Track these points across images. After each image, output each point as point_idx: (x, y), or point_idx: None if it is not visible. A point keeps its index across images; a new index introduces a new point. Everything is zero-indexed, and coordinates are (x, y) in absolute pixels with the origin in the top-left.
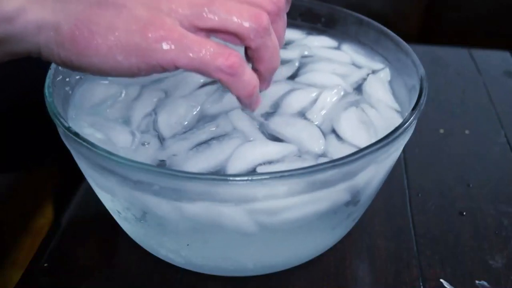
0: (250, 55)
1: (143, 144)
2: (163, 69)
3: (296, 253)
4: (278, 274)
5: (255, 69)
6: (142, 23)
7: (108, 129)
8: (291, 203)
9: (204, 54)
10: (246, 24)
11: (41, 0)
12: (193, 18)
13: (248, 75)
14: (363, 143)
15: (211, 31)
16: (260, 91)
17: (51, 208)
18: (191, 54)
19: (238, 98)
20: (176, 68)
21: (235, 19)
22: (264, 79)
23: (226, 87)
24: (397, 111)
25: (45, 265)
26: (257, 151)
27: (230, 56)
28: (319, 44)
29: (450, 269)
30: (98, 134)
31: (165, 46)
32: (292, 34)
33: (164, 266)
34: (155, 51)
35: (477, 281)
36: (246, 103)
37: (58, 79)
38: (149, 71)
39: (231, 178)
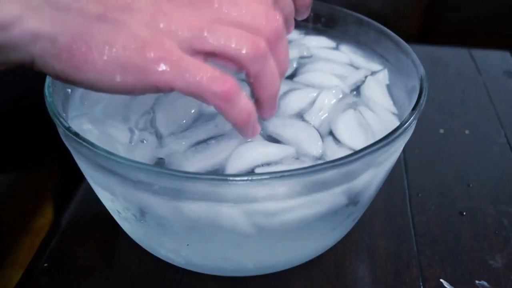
0: (248, 82)
1: (141, 141)
2: (158, 90)
3: (296, 253)
4: (278, 274)
5: (256, 96)
6: (141, 42)
7: (106, 126)
8: (290, 205)
9: (200, 79)
10: (244, 51)
11: (39, 9)
12: (192, 41)
13: (243, 102)
14: (360, 146)
15: (209, 55)
16: (265, 118)
17: (51, 208)
18: (188, 78)
19: (234, 126)
20: (172, 90)
21: (233, 44)
22: (266, 106)
23: (221, 114)
24: (395, 114)
25: (45, 265)
26: (256, 152)
27: (226, 82)
28: (317, 44)
29: (450, 269)
30: (97, 130)
31: (162, 68)
32: (290, 34)
33: (164, 266)
34: (152, 71)
35: (477, 281)
36: (243, 131)
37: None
38: (144, 91)
39: (231, 178)
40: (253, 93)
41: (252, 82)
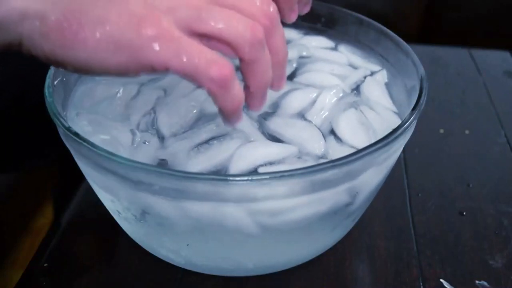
0: (242, 69)
1: (143, 143)
2: (153, 69)
3: (296, 253)
4: (278, 274)
5: (246, 85)
6: (137, 19)
7: (108, 128)
8: (292, 204)
9: (198, 61)
10: (243, 35)
11: None
12: (190, 21)
13: (237, 89)
14: (362, 145)
15: (205, 37)
16: (254, 109)
17: (51, 208)
18: (184, 59)
19: (221, 111)
20: (167, 70)
21: (232, 28)
22: (256, 96)
23: (212, 98)
24: (395, 113)
25: (45, 265)
26: (258, 152)
27: (224, 67)
28: (317, 44)
29: (450, 269)
30: (98, 132)
31: (158, 46)
32: (289, 34)
33: (164, 266)
34: (148, 49)
35: (477, 281)
36: (228, 118)
37: (58, 79)
38: (138, 71)
39: (231, 178)
40: (244, 81)
41: (245, 69)
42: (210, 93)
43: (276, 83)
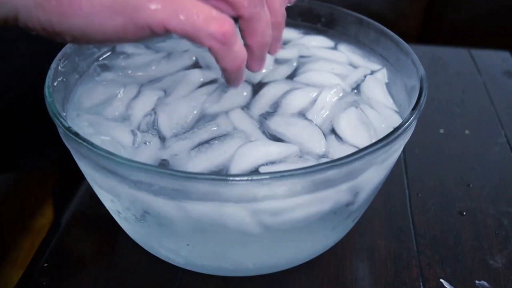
0: (241, 27)
1: (144, 143)
2: (152, 31)
3: (296, 253)
4: (278, 274)
5: (246, 44)
6: None
7: (109, 129)
8: (293, 203)
9: (197, 18)
10: None
11: None
12: None
13: (239, 46)
14: (364, 144)
15: None
16: (254, 70)
17: (51, 208)
18: (182, 17)
19: (224, 71)
20: (166, 31)
21: None
22: (256, 56)
23: (214, 56)
24: (396, 112)
25: (45, 265)
26: (259, 151)
27: (225, 23)
28: (316, 44)
29: (450, 269)
30: (103, 135)
31: (155, 5)
32: (289, 33)
33: (164, 266)
34: (144, 10)
35: (477, 281)
36: (231, 77)
37: (58, 79)
38: (137, 34)
39: (231, 178)
40: (244, 41)
41: (245, 28)
42: (212, 51)
43: (273, 45)
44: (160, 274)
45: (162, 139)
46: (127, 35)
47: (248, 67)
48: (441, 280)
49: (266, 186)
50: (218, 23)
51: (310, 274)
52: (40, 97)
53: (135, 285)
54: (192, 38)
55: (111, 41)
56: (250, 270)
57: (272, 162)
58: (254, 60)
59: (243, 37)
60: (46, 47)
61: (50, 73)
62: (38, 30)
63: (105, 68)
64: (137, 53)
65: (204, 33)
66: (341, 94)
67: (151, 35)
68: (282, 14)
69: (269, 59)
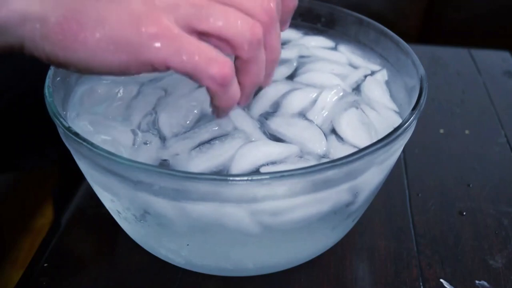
0: (237, 66)
1: (145, 143)
2: (154, 68)
3: (296, 253)
4: (278, 274)
5: (238, 81)
6: (136, 17)
7: (109, 129)
8: (293, 203)
9: (198, 59)
10: (243, 34)
11: None
12: (190, 19)
13: (235, 87)
14: (364, 144)
15: (204, 35)
16: (240, 105)
17: (51, 208)
18: (184, 57)
19: (215, 107)
20: (167, 69)
21: (232, 26)
22: (245, 93)
23: (211, 96)
24: (396, 112)
25: (45, 265)
26: (260, 152)
27: (225, 66)
28: (316, 44)
29: (450, 269)
30: (103, 135)
31: (158, 44)
32: (289, 34)
33: (164, 266)
34: (148, 48)
35: (477, 281)
36: (221, 114)
37: (58, 79)
38: (139, 70)
39: (231, 179)
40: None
41: (240, 67)
42: (210, 91)
43: (265, 79)
44: (160, 274)
45: (163, 139)
46: (129, 70)
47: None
48: (441, 280)
49: (266, 186)
50: (218, 65)
51: (310, 274)
52: (40, 97)
53: (135, 285)
54: (192, 77)
55: (114, 74)
56: (250, 270)
57: (273, 162)
58: (242, 96)
59: (237, 74)
60: None
61: (50, 73)
62: (43, 59)
63: None
64: None
65: (205, 75)
66: (341, 94)
67: (153, 71)
68: (278, 51)
69: None
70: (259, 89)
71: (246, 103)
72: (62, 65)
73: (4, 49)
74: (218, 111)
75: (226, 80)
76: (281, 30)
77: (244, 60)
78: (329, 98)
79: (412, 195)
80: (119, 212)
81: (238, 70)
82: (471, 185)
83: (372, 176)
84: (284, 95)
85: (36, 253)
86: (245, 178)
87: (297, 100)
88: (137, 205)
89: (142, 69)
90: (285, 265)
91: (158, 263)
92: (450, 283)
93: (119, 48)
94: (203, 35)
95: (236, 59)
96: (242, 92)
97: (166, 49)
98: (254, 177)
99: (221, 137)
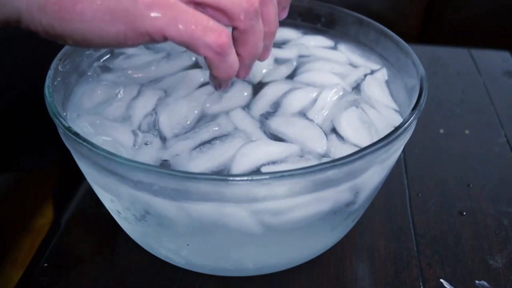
0: (235, 37)
1: (145, 144)
2: (151, 38)
3: (296, 253)
4: (278, 274)
5: (237, 53)
6: None
7: (109, 129)
8: (294, 203)
9: (195, 28)
10: (239, 3)
11: None
12: None
13: (233, 57)
14: (365, 143)
15: (201, 5)
16: (240, 77)
17: (51, 208)
18: (181, 26)
19: (214, 78)
20: (165, 38)
21: None
22: (245, 65)
23: (208, 65)
24: (397, 111)
25: (45, 265)
26: (261, 151)
27: (221, 34)
28: (316, 43)
29: (450, 269)
30: (103, 136)
31: (155, 13)
32: (288, 33)
33: (164, 266)
34: (145, 17)
35: (477, 281)
36: (220, 85)
37: (58, 79)
38: (137, 40)
39: (231, 179)
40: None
41: (238, 38)
42: (207, 60)
43: (263, 53)
44: (160, 274)
45: (163, 139)
46: (127, 41)
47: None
48: (441, 280)
49: (267, 186)
50: (215, 34)
51: (310, 274)
52: (40, 97)
53: (135, 285)
54: (189, 46)
55: (111, 46)
56: (250, 270)
57: (274, 162)
58: (242, 68)
59: (235, 46)
60: (46, 47)
61: (50, 73)
62: (40, 32)
63: (105, 68)
64: (137, 53)
65: (201, 43)
66: (341, 94)
67: (150, 41)
68: (275, 24)
69: (269, 59)
70: (259, 89)
71: (246, 76)
72: (59, 37)
73: (1, 23)
74: (217, 82)
75: (223, 48)
76: (280, 17)
77: (241, 30)
78: (329, 97)
79: (412, 195)
80: (119, 212)
81: (236, 42)
82: (471, 185)
83: (372, 176)
84: (284, 95)
85: (36, 253)
86: (246, 178)
87: (297, 100)
88: (137, 205)
89: (139, 39)
90: (285, 265)
91: (158, 263)
92: (450, 283)
93: (116, 18)
94: (199, 6)
95: (234, 30)
96: (241, 64)
97: (163, 18)
98: (255, 177)
99: (221, 137)
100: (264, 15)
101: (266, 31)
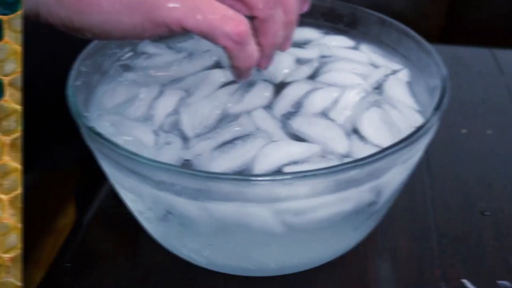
0: (255, 26)
1: (167, 144)
2: (169, 29)
3: (318, 254)
4: (300, 274)
5: (257, 43)
6: None
7: (131, 129)
8: (316, 203)
9: (213, 17)
10: None
11: None
12: None
13: (253, 46)
14: (387, 143)
15: None
16: (261, 68)
17: (73, 208)
18: (199, 16)
19: (234, 69)
20: (183, 29)
21: None
22: (265, 55)
23: (228, 55)
24: (418, 111)
25: (68, 265)
26: (282, 151)
27: (240, 23)
28: (337, 44)
29: (472, 269)
30: (125, 136)
31: (173, 4)
32: (310, 33)
33: (186, 265)
34: (162, 8)
35: (498, 281)
36: (240, 75)
37: (80, 79)
38: (155, 31)
39: (253, 179)
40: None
41: (258, 28)
42: (226, 50)
43: (284, 43)
44: (182, 274)
45: (185, 139)
46: (144, 32)
47: (257, 64)
48: (463, 280)
49: (289, 186)
50: (234, 23)
51: (333, 274)
52: (60, 95)
53: (157, 285)
54: (207, 37)
55: (130, 37)
56: (273, 270)
57: (295, 162)
58: (263, 58)
59: (255, 35)
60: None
61: (73, 73)
62: (58, 26)
63: (126, 68)
64: (159, 53)
65: (220, 33)
66: (363, 94)
67: (169, 33)
68: (295, 13)
69: (290, 59)
70: (281, 89)
71: (267, 66)
72: (78, 30)
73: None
74: (238, 72)
75: (242, 37)
76: (302, 10)
77: (261, 19)
78: (351, 97)
79: (434, 195)
80: (141, 212)
81: (256, 31)
82: (493, 185)
83: (394, 176)
84: (306, 95)
85: (59, 253)
86: (268, 178)
87: (319, 100)
88: (159, 205)
89: (157, 30)
90: (307, 265)
91: (180, 263)
92: (472, 283)
93: (133, 10)
94: None
95: (254, 19)
96: (262, 54)
97: (181, 8)
98: (277, 177)
99: (243, 137)
100: (284, 4)
101: (286, 20)
